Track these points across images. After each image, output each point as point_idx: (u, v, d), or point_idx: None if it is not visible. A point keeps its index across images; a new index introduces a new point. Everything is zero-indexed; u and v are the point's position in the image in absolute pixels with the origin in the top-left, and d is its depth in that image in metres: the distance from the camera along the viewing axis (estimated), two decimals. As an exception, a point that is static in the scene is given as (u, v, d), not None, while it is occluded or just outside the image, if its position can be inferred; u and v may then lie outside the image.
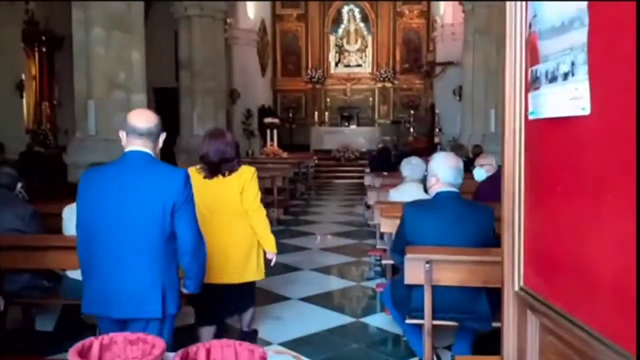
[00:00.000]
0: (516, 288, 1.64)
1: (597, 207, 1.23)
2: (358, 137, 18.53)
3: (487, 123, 12.42)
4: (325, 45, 21.97)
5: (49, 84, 15.55)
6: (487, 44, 12.48)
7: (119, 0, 7.93)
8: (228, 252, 3.57)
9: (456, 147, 10.34)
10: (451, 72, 16.80)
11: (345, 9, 21.93)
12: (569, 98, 1.26)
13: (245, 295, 3.88)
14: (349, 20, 21.95)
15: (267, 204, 6.09)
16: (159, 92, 15.31)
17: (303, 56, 21.99)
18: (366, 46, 22.00)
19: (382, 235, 5.86)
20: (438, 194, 3.46)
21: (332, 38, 22.01)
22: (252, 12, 18.90)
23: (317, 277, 6.03)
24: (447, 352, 3.86)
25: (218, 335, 3.92)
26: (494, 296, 3.45)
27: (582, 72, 1.22)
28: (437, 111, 17.92)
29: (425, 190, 3.96)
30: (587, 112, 1.23)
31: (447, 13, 17.80)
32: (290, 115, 21.17)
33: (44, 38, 14.94)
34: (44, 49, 15.19)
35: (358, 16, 21.92)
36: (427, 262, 3.21)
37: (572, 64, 1.25)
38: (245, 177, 3.62)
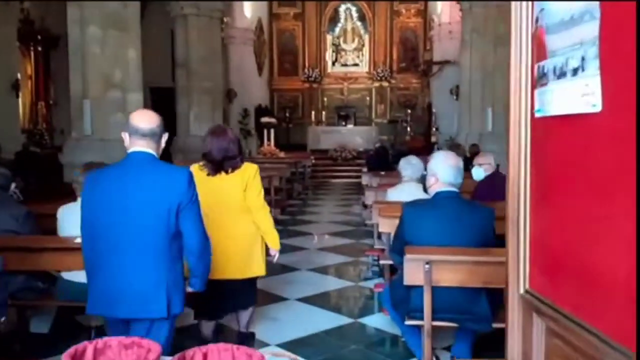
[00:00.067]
0: (521, 291, 1.59)
1: (607, 207, 1.19)
2: (355, 137, 18.48)
3: (484, 122, 12.40)
4: (322, 44, 21.91)
5: (44, 83, 15.47)
6: (485, 43, 12.48)
7: (115, 0, 7.88)
8: (231, 248, 3.57)
9: (453, 146, 10.29)
10: (448, 71, 16.79)
11: (342, 8, 21.87)
12: (579, 94, 1.22)
13: (247, 291, 3.87)
14: (345, 19, 21.90)
15: (264, 203, 6.02)
16: (155, 91, 15.25)
17: (300, 55, 21.93)
18: (363, 45, 21.94)
19: (379, 235, 5.82)
20: (438, 194, 3.42)
21: (329, 37, 21.95)
22: (249, 11, 18.84)
23: (315, 277, 5.99)
24: (447, 353, 3.82)
25: (215, 333, 3.92)
26: (494, 297, 3.42)
27: (593, 67, 1.17)
28: (434, 110, 17.90)
29: (425, 190, 3.92)
30: (598, 108, 1.18)
31: (444, 12, 17.77)
32: (287, 114, 21.11)
33: (39, 37, 14.86)
34: (39, 48, 15.10)
35: (355, 15, 21.86)
36: (427, 263, 3.17)
37: (582, 58, 1.20)
38: (249, 175, 3.63)
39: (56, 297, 3.81)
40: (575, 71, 1.23)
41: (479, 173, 5.40)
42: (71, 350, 1.55)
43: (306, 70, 21.70)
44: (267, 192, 9.11)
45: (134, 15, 8.23)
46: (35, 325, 4.13)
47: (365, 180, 9.63)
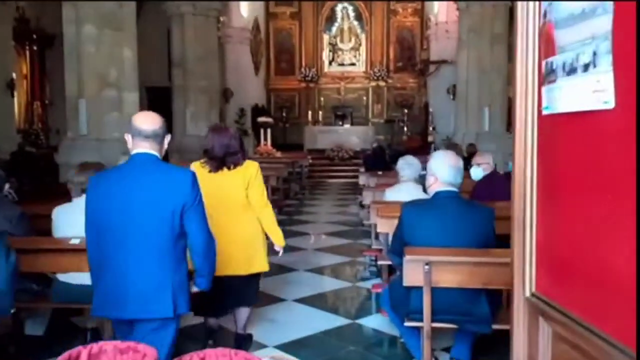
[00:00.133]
0: (527, 294, 1.55)
1: (619, 207, 1.15)
2: (352, 137, 18.45)
3: (481, 121, 12.39)
4: (318, 44, 21.88)
5: (40, 83, 15.40)
6: (481, 43, 12.47)
7: (111, 0, 7.82)
8: (234, 245, 3.57)
9: (451, 146, 10.27)
10: (445, 70, 16.77)
11: (339, 7, 21.83)
12: (590, 91, 1.17)
13: (250, 288, 3.86)
14: (342, 19, 21.86)
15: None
16: (151, 91, 15.18)
17: (297, 55, 21.89)
18: (360, 44, 21.92)
19: (377, 236, 5.78)
20: (437, 194, 3.38)
21: (325, 36, 21.91)
22: (246, 11, 18.79)
23: (312, 277, 5.95)
24: (446, 355, 3.78)
25: (218, 327, 3.94)
26: (493, 297, 3.39)
27: (606, 62, 1.13)
28: (430, 110, 17.89)
29: (425, 190, 3.88)
30: (610, 105, 1.14)
31: (441, 11, 17.76)
32: (284, 114, 21.07)
33: (35, 36, 14.80)
34: (35, 48, 15.04)
35: (352, 14, 21.83)
36: (427, 264, 3.13)
37: (594, 54, 1.16)
38: (250, 173, 3.66)
39: (51, 299, 3.76)
40: (586, 67, 1.19)
41: (477, 173, 5.36)
42: (65, 355, 1.51)
43: (303, 69, 21.65)
44: (264, 192, 9.11)
45: (129, 14, 8.19)
46: (30, 327, 4.07)
47: (362, 180, 9.59)
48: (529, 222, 1.53)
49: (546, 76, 1.39)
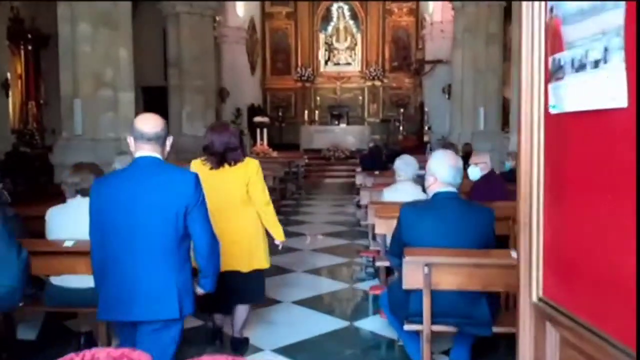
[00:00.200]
0: (534, 298, 1.50)
1: (630, 209, 1.10)
2: (348, 136, 18.42)
3: (476, 121, 12.40)
4: (314, 44, 21.84)
5: (35, 82, 15.28)
6: (477, 42, 12.49)
7: (106, 0, 7.75)
8: (235, 241, 3.58)
9: (447, 146, 10.23)
10: (440, 70, 16.77)
11: (335, 7, 21.79)
12: (601, 88, 1.13)
13: (253, 285, 3.84)
14: (338, 18, 21.82)
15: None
16: (147, 90, 15.10)
17: (292, 54, 21.85)
18: (355, 44, 21.89)
19: (374, 236, 5.74)
20: (436, 194, 3.33)
21: (321, 36, 21.87)
22: (241, 10, 18.74)
23: (309, 279, 5.90)
24: (444, 358, 3.75)
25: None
26: (493, 298, 3.35)
27: (618, 58, 1.08)
28: (426, 109, 17.88)
29: (423, 190, 3.84)
30: (622, 104, 1.09)
31: (436, 11, 17.75)
32: (280, 114, 21.02)
33: (29, 36, 14.68)
34: (29, 47, 14.92)
35: (347, 14, 21.79)
36: (426, 265, 3.09)
37: (605, 49, 1.11)
38: (251, 170, 3.70)
39: (44, 303, 3.69)
40: (596, 63, 1.14)
41: (475, 172, 5.33)
42: (56, 363, 1.45)
43: (299, 69, 21.61)
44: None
45: (125, 13, 8.12)
46: (23, 331, 4.01)
47: (359, 180, 9.55)
48: (535, 224, 1.48)
49: (553, 73, 1.34)
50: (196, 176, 2.59)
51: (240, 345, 3.92)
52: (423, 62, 18.40)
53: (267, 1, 21.47)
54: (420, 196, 4.60)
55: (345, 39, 21.93)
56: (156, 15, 13.38)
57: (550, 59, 1.36)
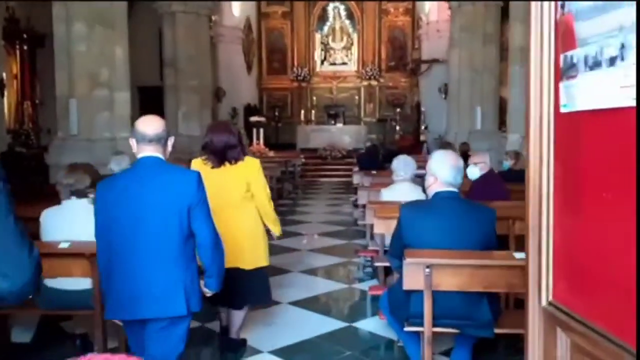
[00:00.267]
0: (543, 303, 1.46)
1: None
2: (344, 136, 18.39)
3: (473, 120, 12.38)
4: (310, 43, 21.81)
5: (30, 82, 15.18)
6: (473, 41, 12.48)
7: (102, 0, 7.69)
8: (237, 238, 3.57)
9: (445, 145, 10.22)
10: (437, 69, 16.74)
11: (331, 7, 21.76)
12: (617, 86, 1.08)
13: (257, 283, 3.81)
14: (334, 18, 21.79)
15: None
16: (142, 90, 15.01)
17: (289, 54, 21.82)
18: (352, 44, 21.88)
19: (372, 236, 5.71)
20: (437, 194, 3.29)
21: (317, 36, 21.84)
22: (237, 10, 18.68)
23: (307, 279, 5.86)
24: (444, 358, 3.72)
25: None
26: (494, 299, 3.31)
27: (635, 55, 1.04)
28: (422, 109, 17.86)
29: (423, 190, 3.81)
30: (640, 102, 1.05)
31: (432, 11, 17.73)
32: (276, 113, 20.98)
33: (25, 36, 14.58)
34: (25, 47, 14.82)
35: (343, 14, 21.77)
36: (427, 267, 3.05)
37: (622, 46, 1.07)
38: (252, 169, 3.73)
39: (39, 306, 3.62)
40: (612, 60, 1.10)
41: (474, 172, 5.30)
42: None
43: (295, 69, 21.57)
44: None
45: (120, 12, 8.07)
46: (17, 334, 3.94)
47: (356, 179, 9.52)
48: (546, 227, 1.44)
49: (565, 71, 1.30)
50: (198, 175, 2.62)
51: (238, 346, 3.88)
52: (419, 62, 18.38)
53: (263, 1, 21.42)
54: (419, 196, 4.57)
55: (342, 39, 21.90)
56: (152, 15, 13.31)
57: (561, 57, 1.32)
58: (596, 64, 1.16)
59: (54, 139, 8.31)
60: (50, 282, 3.54)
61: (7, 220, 1.38)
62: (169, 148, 2.69)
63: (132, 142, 2.64)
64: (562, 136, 1.38)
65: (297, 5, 21.56)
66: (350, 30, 21.83)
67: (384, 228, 4.50)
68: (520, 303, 3.88)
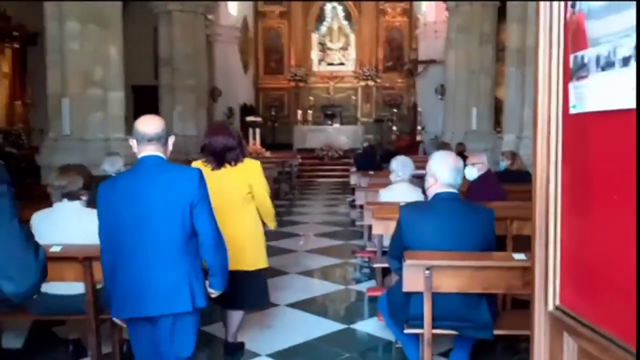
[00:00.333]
0: (550, 307, 1.42)
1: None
2: (341, 136, 18.37)
3: (469, 121, 12.38)
4: (308, 43, 21.77)
5: (21, 81, 15.07)
6: (470, 42, 12.48)
7: (96, 0, 7.61)
8: (239, 240, 3.54)
9: (442, 145, 10.21)
10: (433, 70, 16.73)
11: (329, 7, 21.74)
12: (630, 87, 1.04)
13: (256, 285, 3.78)
14: (332, 18, 21.78)
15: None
16: (137, 90, 14.93)
17: (286, 54, 21.78)
18: (349, 44, 21.87)
19: (370, 237, 5.66)
20: (437, 195, 3.26)
21: (315, 36, 21.81)
22: (234, 9, 18.62)
23: (305, 281, 5.82)
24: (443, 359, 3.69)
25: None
26: (492, 300, 3.28)
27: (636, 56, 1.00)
28: (419, 109, 17.84)
29: (423, 191, 3.77)
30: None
31: (429, 11, 17.73)
32: (273, 113, 20.94)
33: (16, 34, 14.46)
34: (16, 46, 14.70)
35: (341, 14, 21.76)
36: (427, 269, 3.01)
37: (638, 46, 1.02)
38: (254, 172, 3.72)
39: (31, 311, 3.55)
40: (626, 61, 1.06)
41: (472, 173, 5.27)
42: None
43: (292, 69, 21.54)
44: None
45: (114, 11, 7.97)
46: (8, 340, 3.84)
47: (354, 180, 9.48)
48: (553, 229, 1.40)
49: (575, 72, 1.26)
50: (200, 172, 2.64)
51: (236, 350, 3.84)
52: (416, 62, 18.35)
53: (260, 0, 21.37)
54: (417, 197, 4.55)
55: (339, 39, 21.89)
56: (147, 13, 13.22)
57: (571, 57, 1.28)
58: (608, 64, 1.12)
59: (46, 139, 8.17)
60: (42, 287, 3.47)
61: (12, 223, 1.39)
62: (170, 147, 2.70)
63: (132, 142, 2.65)
64: (571, 137, 1.34)
65: (295, 5, 21.53)
66: (348, 30, 21.84)
67: (383, 229, 4.47)
68: (517, 304, 3.86)
